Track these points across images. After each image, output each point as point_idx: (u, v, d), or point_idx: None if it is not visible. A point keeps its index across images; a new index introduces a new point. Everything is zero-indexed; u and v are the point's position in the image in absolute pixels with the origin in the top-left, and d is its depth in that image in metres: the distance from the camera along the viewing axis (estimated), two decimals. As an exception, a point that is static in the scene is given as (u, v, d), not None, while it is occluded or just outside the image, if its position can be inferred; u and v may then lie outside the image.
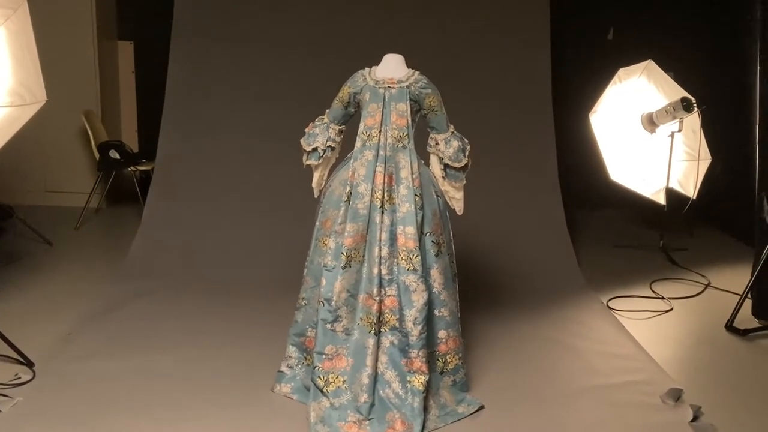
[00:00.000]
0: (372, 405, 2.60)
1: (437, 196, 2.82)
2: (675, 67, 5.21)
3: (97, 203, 5.71)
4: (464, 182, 2.93)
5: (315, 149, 2.90)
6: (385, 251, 2.67)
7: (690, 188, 4.96)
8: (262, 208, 4.62)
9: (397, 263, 2.67)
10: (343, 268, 2.65)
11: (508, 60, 5.01)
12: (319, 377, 2.64)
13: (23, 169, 5.62)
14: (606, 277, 4.42)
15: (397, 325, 2.66)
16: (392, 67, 2.85)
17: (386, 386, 2.64)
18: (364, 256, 2.69)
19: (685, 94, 4.76)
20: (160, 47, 5.01)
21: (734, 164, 5.13)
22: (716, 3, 5.70)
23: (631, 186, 4.96)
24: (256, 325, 3.49)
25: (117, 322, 3.47)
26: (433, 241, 2.73)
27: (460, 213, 2.97)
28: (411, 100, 2.78)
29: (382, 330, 2.67)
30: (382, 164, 2.72)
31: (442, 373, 2.78)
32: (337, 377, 2.64)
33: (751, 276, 3.74)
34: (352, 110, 2.88)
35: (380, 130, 2.76)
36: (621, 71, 4.95)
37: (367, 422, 2.57)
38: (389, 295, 2.67)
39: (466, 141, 2.90)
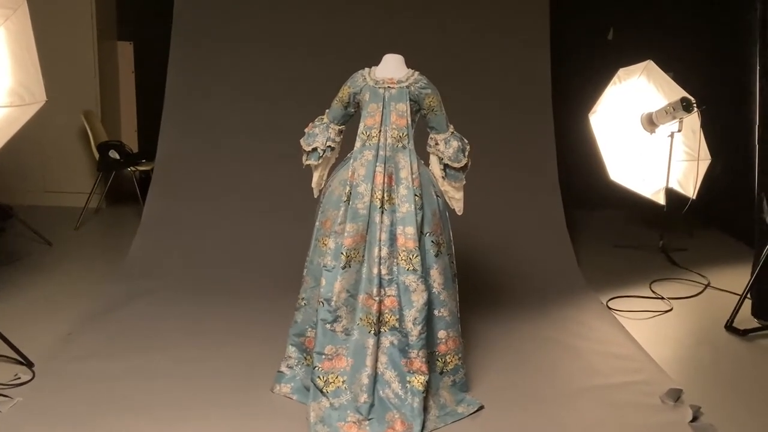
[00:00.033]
0: (372, 405, 2.60)
1: (437, 196, 2.82)
2: (675, 67, 5.21)
3: (97, 203, 5.71)
4: (464, 182, 2.93)
5: (315, 149, 2.90)
6: (384, 251, 2.67)
7: (690, 188, 4.96)
8: (262, 208, 4.63)
9: (397, 263, 2.67)
10: (343, 268, 2.65)
11: (508, 60, 5.02)
12: (318, 377, 2.64)
13: (23, 169, 5.62)
14: (606, 277, 4.42)
15: (397, 325, 2.66)
16: (392, 67, 2.85)
17: (386, 386, 2.64)
18: (363, 256, 2.69)
19: (685, 94, 4.76)
20: (160, 47, 5.01)
21: (734, 164, 5.13)
22: (716, 3, 5.70)
23: (630, 186, 4.96)
24: (256, 325, 3.49)
25: (117, 322, 3.47)
26: (432, 242, 2.73)
27: (459, 213, 2.97)
28: (411, 100, 2.78)
29: (382, 330, 2.67)
30: (382, 164, 2.72)
31: (441, 373, 2.78)
32: (336, 377, 2.64)
33: (751, 276, 3.74)
34: (352, 110, 2.88)
35: (380, 130, 2.76)
36: (621, 71, 4.96)
37: (367, 422, 2.57)
38: (389, 296, 2.67)
39: (466, 141, 2.90)
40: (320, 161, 2.92)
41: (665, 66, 5.03)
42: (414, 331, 2.63)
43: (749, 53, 4.66)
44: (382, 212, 2.69)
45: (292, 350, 2.88)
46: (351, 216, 2.69)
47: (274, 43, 4.94)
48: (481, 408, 2.75)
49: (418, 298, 2.64)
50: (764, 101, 3.75)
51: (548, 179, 4.84)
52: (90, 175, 5.72)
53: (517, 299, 3.94)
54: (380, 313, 2.66)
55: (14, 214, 4.96)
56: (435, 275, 2.72)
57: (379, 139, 2.75)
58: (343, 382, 2.64)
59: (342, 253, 2.65)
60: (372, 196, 2.70)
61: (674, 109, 4.64)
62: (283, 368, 2.87)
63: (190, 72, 4.92)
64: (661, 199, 4.92)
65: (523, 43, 5.04)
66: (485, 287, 4.06)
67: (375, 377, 2.64)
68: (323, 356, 2.66)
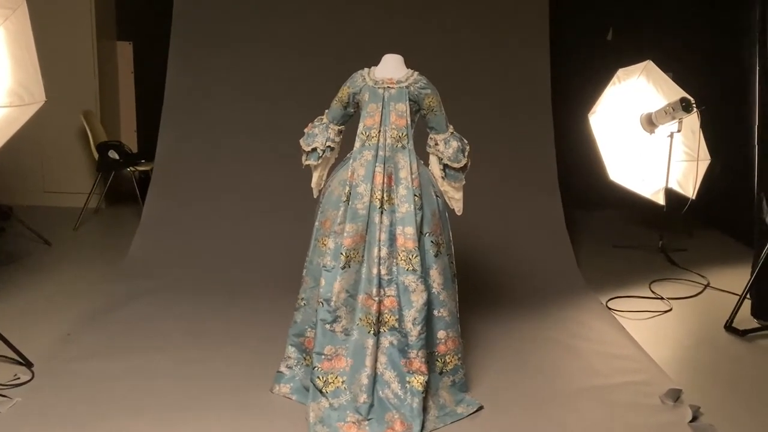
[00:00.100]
0: (371, 405, 2.60)
1: (436, 196, 2.82)
2: (674, 67, 5.21)
3: (96, 203, 5.70)
4: (464, 182, 2.94)
5: (314, 149, 2.90)
6: (384, 251, 2.67)
7: (689, 188, 4.96)
8: (262, 208, 4.63)
9: (397, 263, 2.67)
10: (342, 268, 2.65)
11: (508, 60, 5.02)
12: (318, 378, 2.64)
13: (22, 169, 5.62)
14: (605, 278, 4.42)
15: (397, 325, 2.66)
16: (391, 68, 2.85)
17: (385, 386, 2.64)
18: (363, 256, 2.69)
19: (684, 94, 4.77)
20: (160, 47, 5.01)
21: (733, 165, 5.14)
22: (716, 3, 5.70)
23: (630, 186, 4.96)
24: (256, 325, 3.49)
25: (116, 323, 3.47)
26: (432, 242, 2.73)
27: (459, 213, 2.97)
28: (410, 100, 2.78)
29: (382, 330, 2.67)
30: (382, 164, 2.72)
31: (441, 373, 2.78)
32: (336, 378, 2.64)
33: (751, 276, 3.74)
34: (352, 110, 2.88)
35: (379, 131, 2.76)
36: (620, 71, 4.96)
37: (366, 422, 2.57)
38: (388, 296, 2.67)
39: (466, 141, 2.90)
40: (320, 161, 2.92)
41: (665, 66, 5.03)
42: (413, 331, 2.63)
43: (749, 53, 4.67)
44: (382, 212, 2.69)
45: (291, 350, 2.88)
46: (350, 216, 2.69)
47: (274, 43, 4.94)
48: (480, 408, 2.75)
49: (418, 299, 2.64)
50: (763, 101, 3.75)
51: (548, 179, 4.84)
52: (89, 176, 5.72)
53: (516, 299, 3.94)
54: (380, 313, 2.66)
55: (13, 214, 4.95)
56: (434, 275, 2.72)
57: (378, 140, 2.75)
58: (343, 382, 2.64)
59: (341, 254, 2.65)
60: (371, 196, 2.69)
61: (674, 110, 4.64)
62: (283, 368, 2.87)
63: (189, 72, 4.92)
64: (660, 200, 4.92)
65: (523, 43, 5.04)
66: (485, 287, 4.06)
67: (374, 377, 2.64)
68: (323, 356, 2.66)
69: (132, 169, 5.44)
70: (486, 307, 3.74)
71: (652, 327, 3.75)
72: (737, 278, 4.13)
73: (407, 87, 2.78)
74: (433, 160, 2.93)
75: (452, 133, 2.87)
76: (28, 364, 2.94)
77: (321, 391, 2.63)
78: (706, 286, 4.37)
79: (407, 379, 2.63)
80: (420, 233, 2.70)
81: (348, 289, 2.66)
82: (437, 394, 2.73)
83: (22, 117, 3.19)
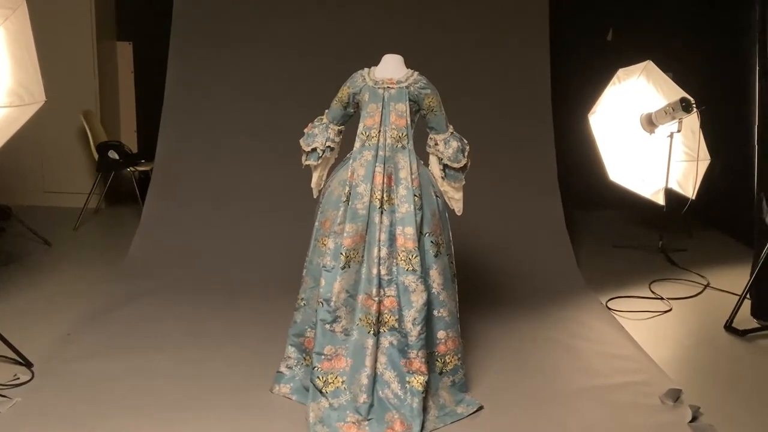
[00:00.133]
0: (371, 405, 2.60)
1: (436, 196, 2.82)
2: (674, 67, 5.21)
3: (96, 204, 5.70)
4: (463, 182, 2.94)
5: (314, 149, 2.90)
6: (384, 252, 2.67)
7: (689, 189, 4.96)
8: (262, 208, 4.63)
9: (396, 264, 2.67)
10: (342, 268, 2.65)
11: (508, 60, 5.01)
12: (318, 378, 2.64)
13: (22, 169, 5.62)
14: (605, 278, 4.42)
15: (396, 325, 2.66)
16: (391, 68, 2.85)
17: (385, 387, 2.64)
18: (363, 256, 2.69)
19: (684, 94, 4.77)
20: (159, 47, 5.01)
21: (733, 165, 5.14)
22: (716, 3, 5.70)
23: (630, 186, 4.96)
24: (256, 325, 3.49)
25: (116, 323, 3.47)
26: (432, 242, 2.73)
27: (459, 213, 2.97)
28: (410, 100, 2.78)
29: (381, 330, 2.67)
30: (381, 165, 2.72)
31: (441, 373, 2.78)
32: (336, 378, 2.64)
33: (750, 276, 3.74)
34: (351, 111, 2.88)
35: (379, 131, 2.76)
36: (620, 72, 4.96)
37: (366, 423, 2.57)
38: (388, 296, 2.67)
39: (466, 141, 2.90)
40: (319, 161, 2.92)
41: (664, 66, 5.03)
42: (413, 331, 2.63)
43: (748, 53, 4.67)
44: (382, 212, 2.69)
45: (291, 350, 2.87)
46: (350, 216, 2.69)
47: (274, 43, 4.94)
48: (480, 408, 2.75)
49: (418, 299, 2.64)
50: (763, 101, 3.75)
51: (548, 179, 4.84)
52: (89, 176, 5.72)
53: (516, 299, 3.94)
54: (379, 313, 2.66)
55: (13, 214, 4.95)
56: (434, 275, 2.72)
57: (378, 140, 2.75)
58: (343, 382, 2.64)
59: (341, 254, 2.65)
60: (371, 196, 2.69)
61: (674, 110, 4.64)
62: (283, 368, 2.87)
63: (189, 72, 4.92)
64: (660, 200, 4.92)
65: (523, 43, 5.04)
66: (485, 287, 4.06)
67: (374, 377, 2.64)
68: (322, 356, 2.66)
69: (132, 169, 5.44)
70: (486, 307, 3.74)
71: (652, 327, 3.75)
72: (737, 278, 4.14)
73: (407, 87, 2.78)
74: (433, 160, 2.93)
75: (452, 133, 2.87)
76: (28, 364, 2.94)
77: (321, 391, 2.63)
78: (706, 286, 4.37)
79: (407, 379, 2.63)
80: (420, 233, 2.70)
81: (348, 289, 2.66)
82: (437, 394, 2.73)
83: (22, 117, 3.19)
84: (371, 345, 2.64)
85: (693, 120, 4.85)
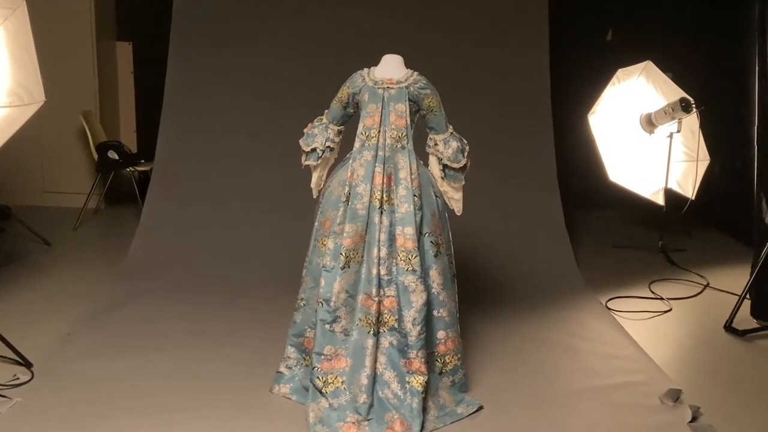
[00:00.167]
0: (371, 405, 2.60)
1: (436, 196, 2.82)
2: (673, 67, 5.21)
3: (96, 204, 5.70)
4: (463, 183, 2.94)
5: (314, 150, 2.90)
6: (384, 252, 2.67)
7: (689, 189, 4.96)
8: (261, 208, 4.62)
9: (396, 264, 2.67)
10: (342, 268, 2.65)
11: (508, 60, 5.01)
12: (318, 378, 2.64)
13: (22, 169, 5.62)
14: (605, 278, 4.42)
15: (396, 325, 2.66)
16: (391, 68, 2.85)
17: (385, 387, 2.64)
18: (363, 256, 2.69)
19: (684, 94, 4.77)
20: (159, 48, 5.01)
21: (733, 165, 5.14)
22: (716, 3, 5.71)
23: (629, 186, 4.96)
24: (256, 325, 3.49)
25: (116, 323, 3.47)
26: (432, 242, 2.73)
27: (459, 213, 2.97)
28: (410, 100, 2.78)
29: (381, 330, 2.67)
30: (381, 165, 2.72)
31: (441, 373, 2.78)
32: (335, 378, 2.64)
33: (750, 276, 3.74)
34: (351, 111, 2.89)
35: (379, 131, 2.76)
36: (620, 72, 4.96)
37: (366, 423, 2.57)
38: (388, 296, 2.67)
39: (465, 141, 2.90)
40: (319, 161, 2.92)
41: (664, 66, 5.04)
42: (413, 331, 2.63)
43: (748, 54, 4.67)
44: (381, 213, 2.69)
45: (291, 351, 2.87)
46: (350, 216, 2.69)
47: (274, 43, 4.94)
48: (480, 408, 2.75)
49: (418, 299, 2.64)
50: (763, 101, 3.75)
51: (547, 180, 4.84)
52: (89, 176, 5.72)
53: (516, 300, 3.94)
54: (379, 313, 2.66)
55: (13, 214, 4.95)
56: (434, 275, 2.72)
57: (378, 140, 2.75)
58: (342, 382, 2.64)
59: (341, 254, 2.65)
60: (371, 196, 2.69)
61: (673, 110, 4.64)
62: (282, 369, 2.87)
63: (189, 72, 4.92)
64: (660, 200, 4.92)
65: (523, 43, 5.04)
66: (485, 287, 4.06)
67: (374, 378, 2.64)
68: (322, 357, 2.66)
69: (131, 169, 5.44)
70: (486, 307, 3.74)
71: (652, 327, 3.75)
72: (737, 278, 4.14)
73: (407, 87, 2.78)
74: (432, 161, 2.93)
75: (452, 133, 2.88)
76: (28, 365, 2.94)
77: (321, 392, 2.63)
78: (706, 286, 4.38)
79: (407, 379, 2.63)
80: (419, 233, 2.70)
81: (348, 290, 2.66)
82: (437, 395, 2.73)
83: (21, 117, 3.19)
84: (371, 345, 2.64)
85: (692, 120, 4.85)
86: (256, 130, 4.82)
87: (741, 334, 3.58)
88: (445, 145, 2.85)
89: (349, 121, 2.93)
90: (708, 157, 5.02)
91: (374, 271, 2.66)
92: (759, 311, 3.75)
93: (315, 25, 4.95)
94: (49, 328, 3.35)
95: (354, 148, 2.79)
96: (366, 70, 2.88)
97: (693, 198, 4.96)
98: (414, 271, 2.65)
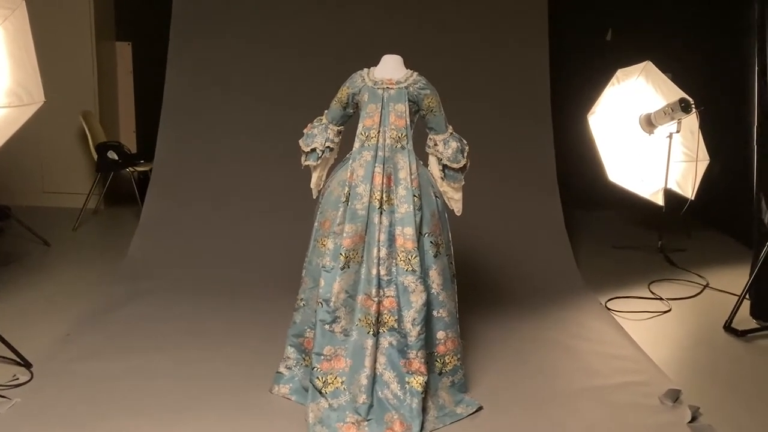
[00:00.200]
0: (370, 406, 2.60)
1: (436, 196, 2.82)
2: (673, 67, 5.22)
3: (95, 204, 5.70)
4: (463, 183, 2.94)
5: (313, 150, 2.90)
6: (383, 252, 2.67)
7: (688, 189, 4.97)
8: (261, 208, 4.62)
9: (396, 264, 2.67)
10: (342, 268, 2.65)
11: (507, 61, 5.02)
12: (317, 378, 2.64)
13: (21, 169, 5.62)
14: (604, 278, 4.42)
15: (396, 325, 2.66)
16: (390, 68, 2.85)
17: (385, 387, 2.64)
18: (362, 256, 2.69)
19: (683, 95, 4.77)
20: (159, 48, 5.01)
21: (732, 165, 5.14)
22: (716, 3, 5.71)
23: (629, 187, 4.96)
24: (256, 325, 3.49)
25: (115, 323, 3.47)
26: (431, 242, 2.73)
27: (458, 214, 2.97)
28: (410, 100, 2.78)
29: (381, 331, 2.67)
30: (381, 165, 2.72)
31: (440, 373, 2.78)
32: (335, 378, 2.64)
33: (750, 277, 3.74)
34: (351, 111, 2.89)
35: (379, 131, 2.76)
36: (619, 72, 4.96)
37: (366, 423, 2.57)
38: (388, 296, 2.67)
39: (465, 142, 2.90)
40: (319, 162, 2.92)
41: (664, 67, 5.04)
42: (413, 331, 2.63)
43: (747, 54, 4.67)
44: (381, 213, 2.69)
45: (290, 351, 2.87)
46: (350, 217, 2.69)
47: (274, 43, 4.94)
48: (480, 409, 2.75)
49: (417, 299, 2.64)
50: (762, 101, 3.75)
51: (547, 180, 4.84)
52: (88, 176, 5.72)
53: (515, 300, 3.94)
54: (379, 313, 2.66)
55: (12, 214, 4.95)
56: (434, 276, 2.72)
57: (378, 140, 2.75)
58: (342, 382, 2.64)
59: (341, 254, 2.65)
60: (371, 196, 2.69)
61: (673, 110, 4.64)
62: (282, 369, 2.87)
63: (188, 72, 4.92)
64: (659, 200, 4.93)
65: (523, 43, 5.04)
66: (484, 288, 4.06)
67: (374, 378, 2.64)
68: (322, 357, 2.66)
69: (131, 169, 5.44)
70: (485, 308, 3.74)
71: (651, 327, 3.75)
72: (736, 279, 4.14)
73: (406, 87, 2.78)
74: (432, 161, 2.93)
75: (451, 133, 2.88)
76: (27, 365, 2.94)
77: (320, 392, 2.63)
78: (705, 286, 4.38)
79: (406, 379, 2.63)
80: (419, 234, 2.70)
81: (347, 290, 2.66)
82: (436, 395, 2.73)
83: (21, 117, 3.19)
84: (371, 345, 2.64)
85: (692, 120, 4.85)
86: (256, 130, 4.82)
87: (740, 334, 3.58)
88: (445, 146, 2.85)
89: (349, 121, 2.93)
90: (707, 158, 5.02)
91: (374, 272, 2.66)
92: (758, 311, 3.75)
93: (315, 25, 4.95)
94: (49, 329, 3.35)
95: (354, 149, 2.79)
96: (366, 70, 2.88)
97: (692, 198, 4.96)
98: (414, 271, 2.65)
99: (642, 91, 4.95)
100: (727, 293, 4.15)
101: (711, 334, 3.66)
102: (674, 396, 2.85)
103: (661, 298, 4.13)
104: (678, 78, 5.07)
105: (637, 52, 5.11)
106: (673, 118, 4.69)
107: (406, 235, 2.67)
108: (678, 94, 4.83)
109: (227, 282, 4.04)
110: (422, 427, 2.57)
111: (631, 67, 4.98)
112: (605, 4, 6.02)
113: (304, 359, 2.84)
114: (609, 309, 3.93)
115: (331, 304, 2.64)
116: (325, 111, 2.94)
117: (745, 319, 3.70)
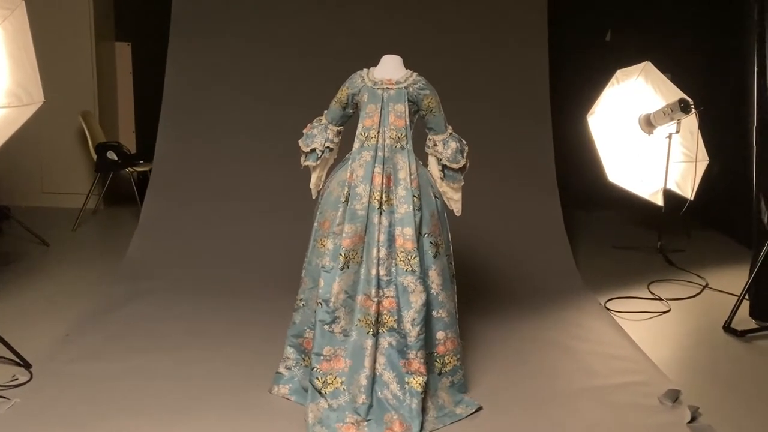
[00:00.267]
0: (370, 406, 2.60)
1: (435, 197, 2.82)
2: (672, 68, 5.22)
3: (95, 204, 5.71)
4: (462, 183, 2.94)
5: (313, 150, 2.90)
6: (383, 252, 2.67)
7: (688, 189, 4.97)
8: (261, 208, 4.62)
9: (396, 264, 2.67)
10: (341, 269, 2.65)
11: (507, 61, 5.02)
12: (317, 378, 2.64)
13: (20, 170, 5.62)
14: (604, 279, 4.42)
15: (396, 326, 2.66)
16: (390, 68, 2.85)
17: (384, 387, 2.64)
18: (362, 257, 2.69)
19: (683, 95, 4.77)
20: (158, 48, 5.01)
21: (732, 165, 5.14)
22: (716, 3, 5.71)
23: (628, 187, 4.96)
24: (255, 325, 3.49)
25: (115, 323, 3.47)
26: (431, 242, 2.73)
27: (458, 214, 2.97)
28: (409, 101, 2.78)
29: (381, 331, 2.67)
30: (381, 165, 2.72)
31: (440, 374, 2.78)
32: (335, 378, 2.64)
33: (749, 277, 3.74)
34: (350, 111, 2.89)
35: (378, 131, 2.76)
36: (619, 72, 4.96)
37: (365, 423, 2.57)
38: (387, 297, 2.67)
39: (465, 142, 2.90)
40: (318, 162, 2.92)
41: (663, 67, 5.04)
42: (412, 332, 2.63)
43: (747, 54, 4.67)
44: (381, 213, 2.69)
45: (290, 351, 2.87)
46: (349, 217, 2.69)
47: (274, 43, 4.94)
48: (479, 409, 2.75)
49: (417, 299, 2.64)
50: (762, 102, 3.76)
51: (546, 180, 4.84)
52: (88, 176, 5.72)
53: (515, 300, 3.94)
54: (379, 314, 2.66)
55: (12, 215, 4.95)
56: (433, 276, 2.72)
57: (377, 140, 2.75)
58: (342, 383, 2.64)
59: (340, 254, 2.65)
60: (370, 197, 2.69)
61: (672, 111, 4.64)
62: (282, 369, 2.87)
63: (188, 72, 4.92)
64: (659, 200, 4.93)
65: (522, 43, 5.04)
66: (484, 288, 4.06)
67: (373, 378, 2.64)
68: (321, 357, 2.66)
69: (130, 169, 5.44)
70: (485, 308, 3.74)
71: (651, 328, 3.75)
72: (736, 279, 4.14)
73: (406, 88, 2.78)
74: (431, 161, 2.93)
75: (451, 133, 2.88)
76: (27, 365, 2.94)
77: (320, 392, 2.63)
78: (705, 287, 4.38)
79: (406, 379, 2.63)
80: (419, 234, 2.70)
81: (347, 290, 2.66)
82: (436, 395, 2.73)
83: (20, 118, 3.19)
84: (370, 346, 2.64)
85: (691, 121, 4.86)
86: (256, 130, 4.82)
87: (740, 334, 3.59)
88: (444, 146, 2.85)
89: (349, 121, 2.93)
90: (707, 158, 5.03)
91: (373, 272, 2.66)
92: (758, 312, 3.75)
93: (315, 24, 4.95)
94: (49, 329, 3.35)
95: (353, 149, 2.79)
96: (365, 70, 2.88)
97: (692, 198, 4.96)
98: (413, 271, 2.65)
99: (641, 92, 4.95)
100: (727, 293, 4.15)
101: (710, 334, 3.66)
102: (674, 396, 2.86)
103: (660, 299, 4.13)
104: (677, 78, 5.07)
105: (637, 53, 5.11)
106: (672, 119, 4.69)
107: (405, 235, 2.67)
108: (677, 94, 4.83)
109: (227, 282, 4.04)
110: (422, 428, 2.57)
111: (631, 67, 4.98)
112: (605, 4, 6.02)
113: (303, 359, 2.84)
114: (608, 309, 3.93)
115: (331, 304, 2.64)
116: (325, 111, 2.94)
117: (744, 320, 3.71)
